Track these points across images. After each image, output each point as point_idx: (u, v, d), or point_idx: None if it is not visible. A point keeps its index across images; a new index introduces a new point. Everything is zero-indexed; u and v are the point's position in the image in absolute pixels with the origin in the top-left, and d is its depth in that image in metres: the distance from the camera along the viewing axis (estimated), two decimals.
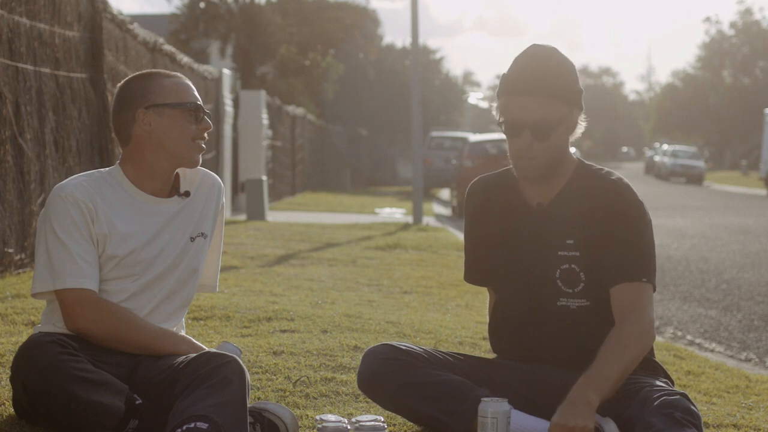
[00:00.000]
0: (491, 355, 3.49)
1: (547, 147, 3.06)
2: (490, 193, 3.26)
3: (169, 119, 3.15)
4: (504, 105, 3.09)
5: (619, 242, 3.05)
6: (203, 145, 3.22)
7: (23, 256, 6.84)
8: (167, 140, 3.15)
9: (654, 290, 3.09)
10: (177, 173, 3.26)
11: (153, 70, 3.31)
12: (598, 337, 3.05)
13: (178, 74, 3.23)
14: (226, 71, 16.31)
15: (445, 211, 21.86)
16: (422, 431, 3.24)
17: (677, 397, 2.88)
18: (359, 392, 3.65)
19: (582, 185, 3.14)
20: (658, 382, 3.03)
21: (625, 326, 2.99)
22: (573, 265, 3.11)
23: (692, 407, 2.86)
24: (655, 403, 2.86)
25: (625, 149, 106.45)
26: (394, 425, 3.30)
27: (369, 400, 3.53)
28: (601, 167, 3.21)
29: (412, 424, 3.28)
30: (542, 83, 3.04)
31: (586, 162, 3.23)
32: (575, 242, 3.11)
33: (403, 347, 3.21)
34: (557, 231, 3.13)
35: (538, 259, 3.14)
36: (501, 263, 3.22)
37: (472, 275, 3.34)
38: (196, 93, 3.22)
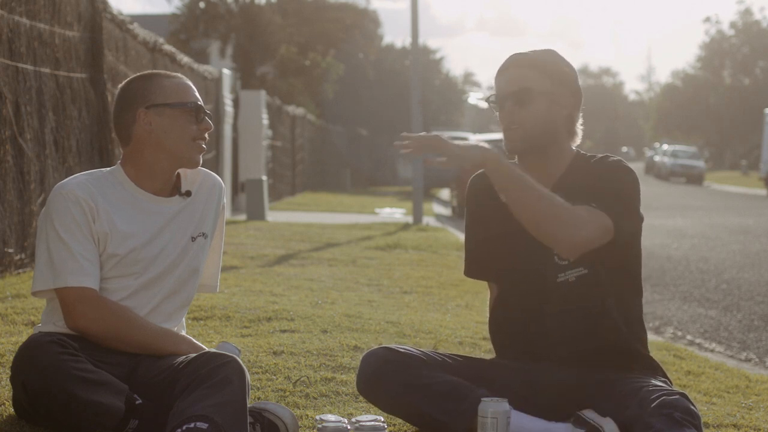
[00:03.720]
0: (491, 355, 3.49)
1: (528, 114, 3.13)
2: (489, 186, 3.27)
3: (169, 119, 3.15)
4: (494, 86, 3.23)
5: (592, 189, 3.07)
6: (204, 146, 3.22)
7: (23, 256, 6.84)
8: (167, 140, 3.15)
9: (615, 227, 3.02)
10: (178, 173, 3.26)
11: (154, 70, 3.32)
12: (599, 329, 3.07)
13: (179, 75, 3.24)
14: (226, 71, 16.31)
15: (445, 211, 21.85)
16: None
17: (677, 397, 2.88)
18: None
19: (578, 172, 3.17)
20: (657, 382, 3.03)
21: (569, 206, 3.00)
22: None
23: (692, 407, 2.87)
24: (655, 403, 2.86)
25: (625, 149, 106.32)
26: (394, 425, 3.30)
27: None
28: (594, 154, 3.24)
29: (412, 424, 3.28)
30: (525, 58, 3.18)
31: (582, 152, 3.25)
32: None
33: (402, 350, 3.22)
34: None
35: (537, 243, 3.13)
36: (502, 253, 3.23)
37: (473, 269, 3.35)
38: (197, 93, 3.23)
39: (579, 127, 3.23)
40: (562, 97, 3.16)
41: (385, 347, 3.24)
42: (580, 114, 3.24)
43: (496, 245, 3.25)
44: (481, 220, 3.29)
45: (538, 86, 3.14)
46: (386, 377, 3.16)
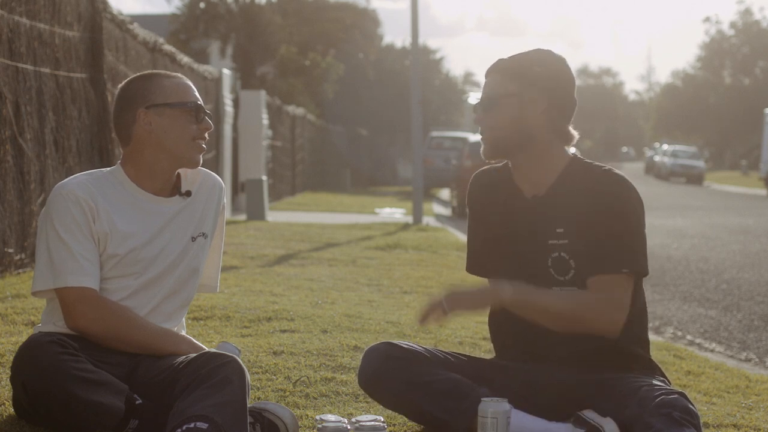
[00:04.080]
0: (491, 355, 3.49)
1: (493, 119, 3.17)
2: (489, 185, 3.30)
3: (169, 119, 3.15)
4: None
5: (605, 232, 3.07)
6: (204, 145, 3.22)
7: (23, 256, 6.84)
8: (167, 140, 3.15)
9: (642, 276, 3.12)
10: (178, 173, 3.26)
11: (154, 70, 3.32)
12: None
13: (179, 75, 3.24)
14: (226, 71, 16.31)
15: (445, 211, 21.86)
16: (423, 430, 3.24)
17: (676, 396, 2.89)
18: (359, 392, 3.65)
19: (575, 176, 3.16)
20: (656, 382, 3.04)
21: (593, 293, 3.07)
22: (563, 253, 3.13)
23: (691, 406, 2.87)
24: (654, 402, 2.86)
25: (625, 149, 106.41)
26: (394, 425, 3.30)
27: (369, 400, 3.53)
28: (592, 161, 3.23)
29: (412, 424, 3.28)
30: (500, 63, 3.21)
31: (580, 157, 3.24)
32: (565, 230, 3.13)
33: (405, 345, 3.22)
34: (549, 221, 3.16)
35: (531, 248, 3.16)
36: (499, 254, 3.24)
37: (475, 266, 3.35)
38: (197, 93, 3.23)
39: (570, 129, 3.20)
40: (531, 97, 3.14)
41: (388, 342, 3.24)
42: (568, 114, 3.20)
43: (496, 246, 3.25)
44: (482, 219, 3.30)
45: (501, 90, 3.15)
46: (388, 375, 3.16)
